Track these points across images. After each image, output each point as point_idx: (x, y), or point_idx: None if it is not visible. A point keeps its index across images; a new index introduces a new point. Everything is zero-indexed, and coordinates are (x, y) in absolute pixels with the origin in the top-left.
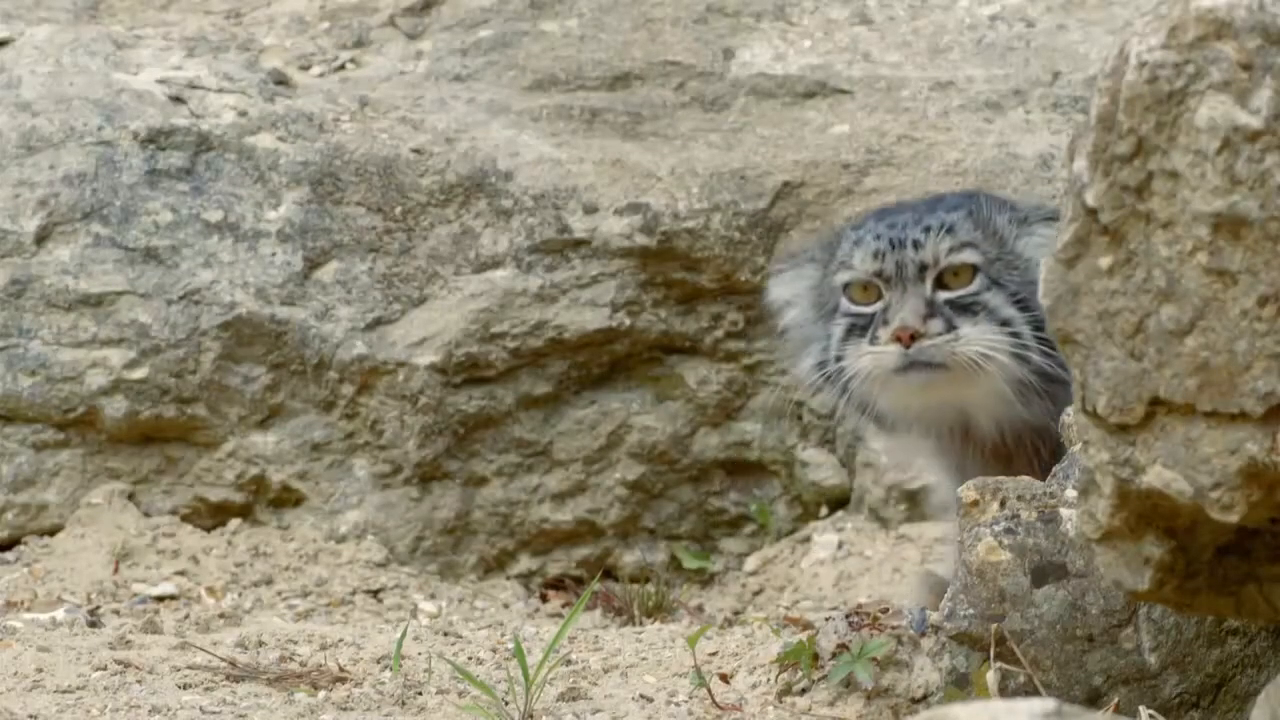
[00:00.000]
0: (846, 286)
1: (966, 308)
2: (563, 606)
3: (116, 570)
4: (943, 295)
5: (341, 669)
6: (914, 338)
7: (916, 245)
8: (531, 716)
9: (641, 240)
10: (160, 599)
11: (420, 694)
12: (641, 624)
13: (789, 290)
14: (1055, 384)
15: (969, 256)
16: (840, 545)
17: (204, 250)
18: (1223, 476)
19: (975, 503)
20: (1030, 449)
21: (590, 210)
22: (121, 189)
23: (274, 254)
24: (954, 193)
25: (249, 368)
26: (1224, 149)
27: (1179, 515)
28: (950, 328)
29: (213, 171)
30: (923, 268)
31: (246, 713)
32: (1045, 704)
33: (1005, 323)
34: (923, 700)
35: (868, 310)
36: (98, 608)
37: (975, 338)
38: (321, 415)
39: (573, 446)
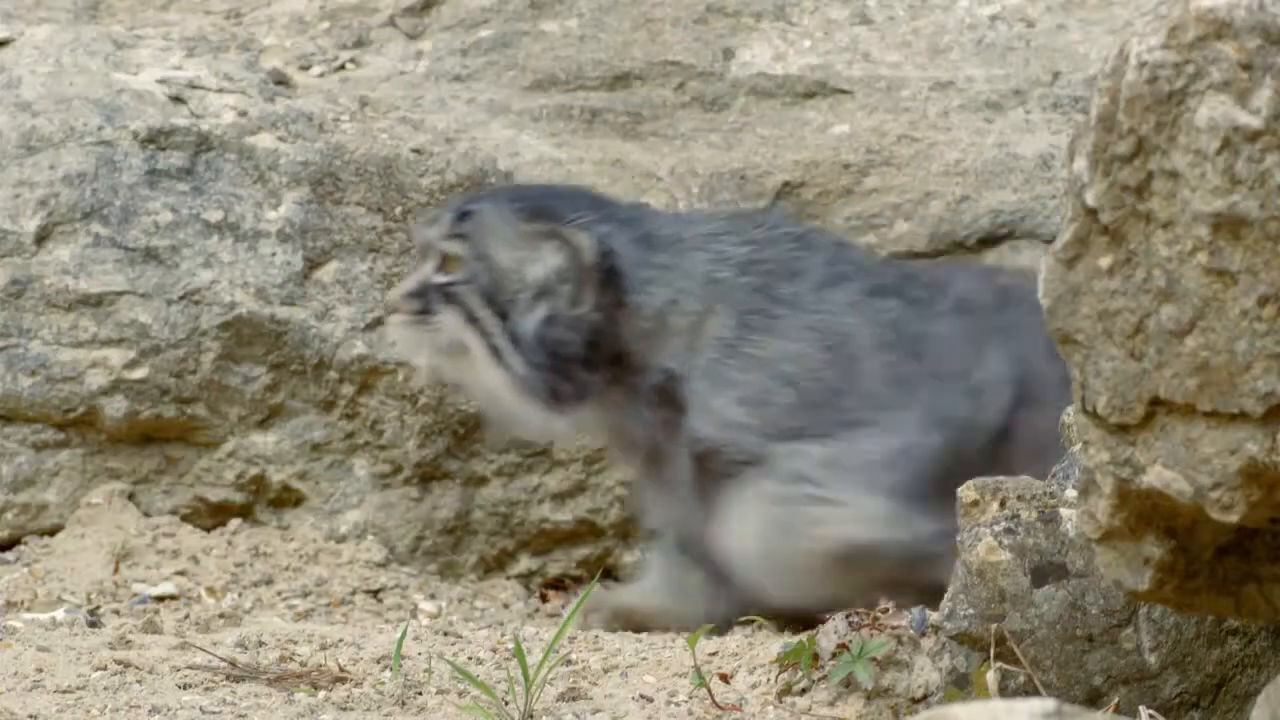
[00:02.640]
0: None
1: None
2: (563, 606)
3: (116, 570)
4: None
5: (341, 669)
6: None
7: None
8: (531, 716)
9: None
10: (160, 599)
11: (420, 694)
12: None
13: None
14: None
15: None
16: None
17: (204, 250)
18: (1223, 476)
19: (975, 503)
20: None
21: None
22: (121, 189)
23: (274, 254)
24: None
25: (249, 368)
26: (1224, 149)
27: (1179, 515)
28: None
29: (213, 171)
30: None
31: (246, 713)
32: (1045, 704)
33: None
34: (923, 700)
35: None
36: (98, 608)
37: None
38: (321, 415)
39: (573, 446)
